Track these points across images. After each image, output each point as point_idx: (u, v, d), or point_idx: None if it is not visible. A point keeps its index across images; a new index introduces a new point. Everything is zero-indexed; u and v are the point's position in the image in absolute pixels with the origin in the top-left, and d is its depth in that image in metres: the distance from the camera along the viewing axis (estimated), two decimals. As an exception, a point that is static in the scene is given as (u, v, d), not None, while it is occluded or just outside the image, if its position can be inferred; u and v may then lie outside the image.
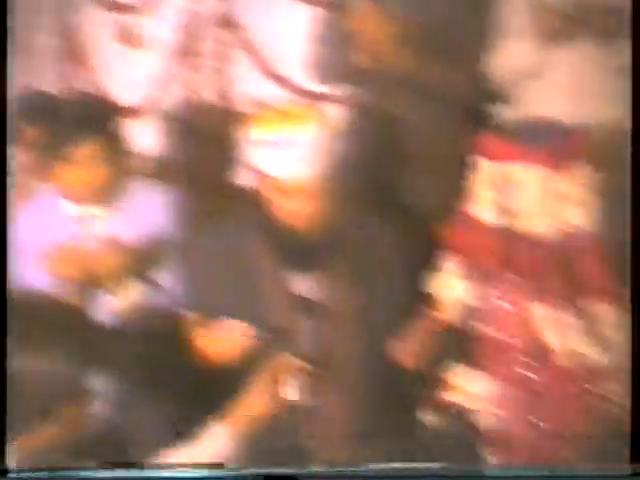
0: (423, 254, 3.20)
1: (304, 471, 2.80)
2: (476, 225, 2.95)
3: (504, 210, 2.92)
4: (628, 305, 2.95)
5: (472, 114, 3.71)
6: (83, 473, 2.52)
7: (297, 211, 2.95)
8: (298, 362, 2.84)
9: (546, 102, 3.44)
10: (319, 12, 4.06)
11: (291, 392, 2.83)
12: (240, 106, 4.35)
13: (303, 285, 3.04)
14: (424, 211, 3.49)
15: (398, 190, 3.61)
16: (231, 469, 2.74)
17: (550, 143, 2.91)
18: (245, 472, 2.73)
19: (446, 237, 3.08)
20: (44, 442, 2.56)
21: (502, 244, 2.92)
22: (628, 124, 3.44)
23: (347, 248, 3.05)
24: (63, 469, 2.47)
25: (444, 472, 2.85)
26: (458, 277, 3.03)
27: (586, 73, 3.48)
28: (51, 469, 2.47)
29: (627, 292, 2.96)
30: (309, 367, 2.86)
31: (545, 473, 2.81)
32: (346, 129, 3.74)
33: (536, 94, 3.53)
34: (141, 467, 2.65)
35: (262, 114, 3.01)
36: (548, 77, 3.49)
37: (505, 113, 3.68)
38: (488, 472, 2.83)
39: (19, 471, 2.50)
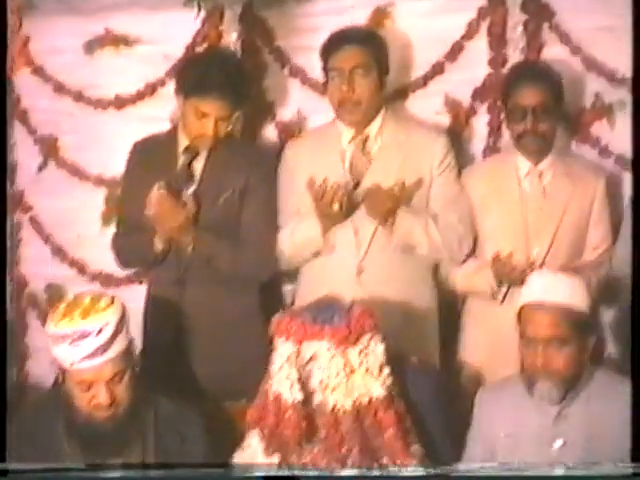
0: (226, 432, 3.33)
1: (304, 471, 2.81)
2: (277, 402, 3.07)
3: (303, 386, 3.06)
4: (423, 458, 3.15)
5: (267, 294, 3.91)
6: (82, 473, 2.47)
7: (95, 402, 2.99)
8: None
9: (334, 277, 3.70)
10: (110, 192, 4.20)
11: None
12: (32, 288, 4.40)
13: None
14: (224, 391, 3.61)
15: (196, 373, 3.68)
16: (231, 469, 2.70)
17: (340, 321, 3.09)
18: (245, 472, 2.70)
19: (248, 415, 3.18)
20: None
21: (303, 418, 3.05)
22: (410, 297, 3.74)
23: (150, 434, 3.09)
24: (63, 469, 2.41)
25: (444, 472, 2.90)
26: (262, 452, 3.14)
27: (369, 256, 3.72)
28: (51, 469, 2.41)
29: (419, 448, 3.15)
30: None
31: (545, 473, 2.86)
32: (143, 312, 3.84)
33: (323, 268, 3.76)
34: (139, 467, 2.61)
35: (56, 309, 3.07)
36: (335, 253, 3.73)
37: (297, 289, 3.92)
38: (487, 472, 2.87)
39: (19, 471, 2.43)
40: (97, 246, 4.05)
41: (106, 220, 4.17)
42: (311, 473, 2.95)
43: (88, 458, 3.05)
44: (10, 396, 3.67)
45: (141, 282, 4.05)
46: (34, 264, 4.39)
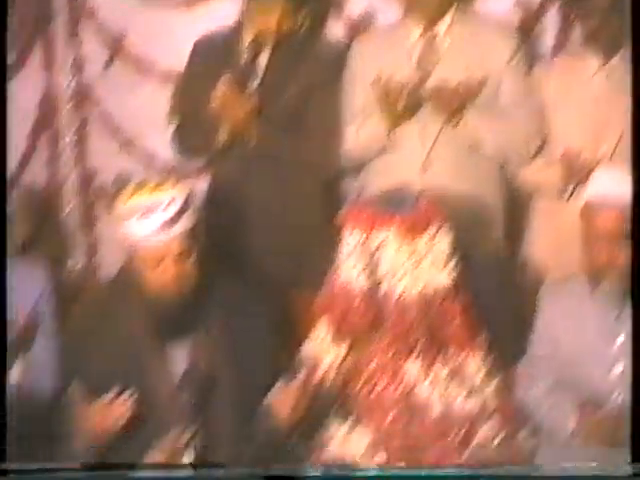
0: (294, 320, 3.34)
1: (304, 471, 2.86)
2: (345, 290, 3.10)
3: (370, 275, 3.08)
4: (488, 351, 3.17)
5: (333, 185, 3.93)
6: (82, 473, 2.52)
7: (164, 278, 3.02)
8: (184, 435, 2.86)
9: (400, 171, 3.70)
10: (177, 87, 4.20)
11: (184, 466, 2.86)
12: (100, 181, 4.45)
13: (179, 354, 3.08)
14: (292, 279, 3.65)
15: (263, 260, 3.72)
16: (231, 469, 2.75)
17: (408, 209, 3.10)
18: (245, 472, 2.75)
19: (317, 303, 3.18)
20: None
21: (370, 306, 3.08)
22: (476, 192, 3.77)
23: (217, 314, 3.12)
24: (63, 469, 2.46)
25: (444, 473, 2.93)
26: (331, 340, 3.14)
27: (434, 144, 3.75)
28: (51, 469, 2.46)
29: (484, 340, 3.18)
30: (196, 442, 2.89)
31: (544, 473, 2.88)
32: (208, 200, 3.91)
33: (390, 164, 3.76)
34: (140, 467, 2.66)
35: (125, 189, 3.10)
36: (400, 151, 3.73)
37: (364, 183, 3.94)
38: (487, 472, 2.91)
39: (19, 471, 2.48)
40: (164, 140, 4.05)
41: (172, 115, 4.18)
42: (311, 473, 2.95)
43: (156, 337, 3.08)
44: (78, 285, 3.74)
45: (206, 175, 4.07)
46: (101, 158, 4.39)
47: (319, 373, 3.12)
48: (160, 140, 4.19)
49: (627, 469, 2.84)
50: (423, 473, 2.92)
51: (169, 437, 2.91)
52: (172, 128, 3.97)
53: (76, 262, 4.46)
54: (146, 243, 3.01)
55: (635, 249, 3.06)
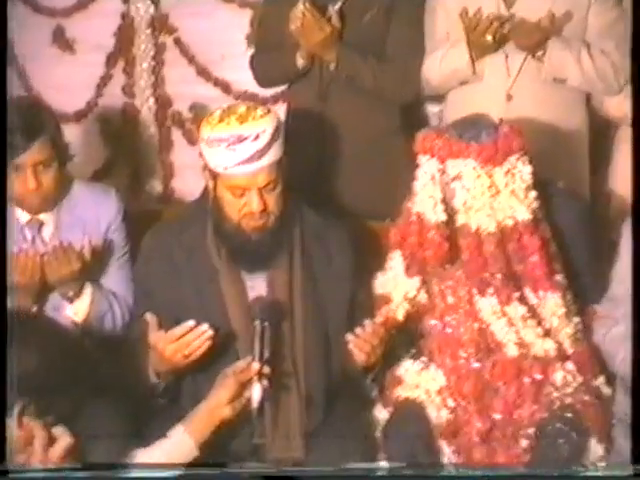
0: (370, 252, 3.21)
1: (304, 471, 2.80)
2: (419, 222, 2.96)
3: (446, 206, 2.94)
4: (566, 290, 3.02)
5: (410, 113, 3.80)
6: (83, 473, 2.49)
7: (247, 209, 2.90)
8: (258, 366, 2.76)
9: (481, 101, 3.53)
10: (255, 13, 4.10)
11: (253, 396, 2.75)
12: (176, 108, 4.39)
13: (257, 285, 3.00)
14: (367, 210, 3.51)
15: (340, 189, 3.63)
16: (230, 469, 2.71)
17: (487, 139, 2.95)
18: (245, 472, 2.71)
19: (390, 235, 3.07)
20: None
21: (446, 239, 2.95)
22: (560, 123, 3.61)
23: (297, 246, 3.02)
24: (63, 469, 2.44)
25: (443, 473, 2.87)
26: (404, 274, 3.02)
27: (518, 77, 3.58)
28: (51, 469, 2.43)
29: (562, 278, 3.03)
30: (269, 371, 2.78)
31: (544, 473, 2.78)
32: (285, 128, 3.80)
33: (471, 94, 3.62)
34: (138, 466, 2.63)
35: (211, 114, 2.99)
36: (483, 81, 3.59)
37: (443, 112, 3.80)
38: (486, 472, 2.83)
39: (19, 471, 2.46)
40: (241, 66, 3.94)
41: (251, 41, 4.08)
42: (311, 473, 2.85)
43: (236, 267, 3.00)
44: (153, 212, 3.68)
45: (285, 102, 3.96)
46: (178, 84, 4.32)
47: (392, 307, 3.00)
48: (237, 66, 4.08)
49: (627, 469, 2.72)
50: (424, 473, 2.81)
51: (239, 367, 2.82)
52: (250, 54, 3.86)
53: (152, 188, 4.41)
54: (232, 171, 2.88)
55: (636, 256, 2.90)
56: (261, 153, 2.87)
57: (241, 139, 2.85)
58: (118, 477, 2.55)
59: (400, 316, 3.01)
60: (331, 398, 3.01)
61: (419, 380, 2.97)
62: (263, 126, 2.88)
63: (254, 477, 2.68)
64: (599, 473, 2.77)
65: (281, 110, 3.84)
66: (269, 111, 2.96)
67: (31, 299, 3.11)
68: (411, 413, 2.93)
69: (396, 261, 3.07)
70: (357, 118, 3.62)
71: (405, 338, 3.05)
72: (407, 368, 3.02)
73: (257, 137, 2.86)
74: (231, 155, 2.86)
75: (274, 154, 2.91)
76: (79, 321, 3.16)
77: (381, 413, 3.03)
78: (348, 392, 3.04)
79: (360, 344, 2.89)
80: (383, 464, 2.87)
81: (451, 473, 2.84)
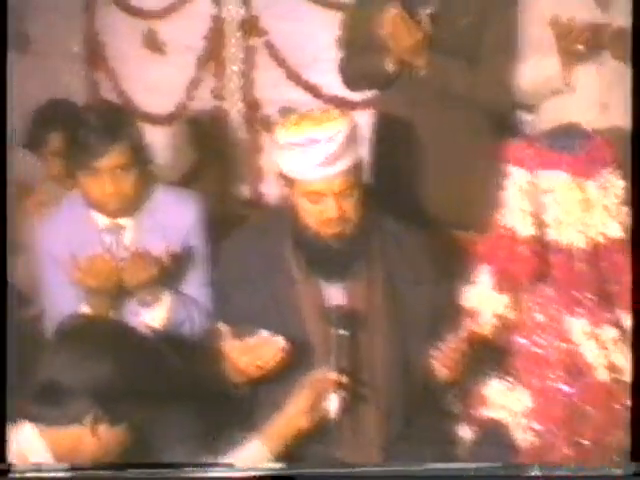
0: (454, 264, 3.11)
1: (304, 471, 2.72)
2: (509, 235, 2.83)
3: (536, 220, 2.81)
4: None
5: (501, 122, 3.65)
6: (83, 473, 2.44)
7: (324, 216, 2.81)
8: (335, 376, 2.71)
9: (574, 111, 3.40)
10: (346, 16, 4.00)
11: (330, 406, 2.70)
12: (265, 111, 4.32)
13: (335, 294, 2.90)
14: (453, 220, 3.41)
15: (425, 198, 3.50)
16: (230, 469, 2.63)
17: (580, 150, 2.81)
18: (245, 472, 2.63)
19: (478, 248, 2.96)
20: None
21: (535, 255, 2.82)
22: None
23: (376, 255, 2.92)
24: (63, 469, 2.39)
25: (443, 472, 2.76)
26: (492, 289, 2.91)
27: (612, 86, 3.44)
28: (51, 469, 2.40)
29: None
30: (346, 381, 2.72)
31: (545, 473, 2.68)
32: (372, 134, 3.70)
33: (564, 103, 3.48)
34: (142, 466, 2.56)
35: (288, 118, 2.91)
36: (575, 90, 3.46)
37: (534, 121, 3.65)
38: (486, 472, 2.74)
39: (19, 471, 2.43)
40: (331, 70, 3.84)
41: (341, 44, 3.97)
42: (311, 473, 2.71)
43: (314, 276, 2.90)
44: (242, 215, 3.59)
45: (374, 107, 3.85)
46: (268, 88, 4.27)
47: (479, 323, 2.87)
48: (327, 70, 3.99)
49: (627, 469, 2.63)
50: (424, 472, 2.68)
51: (316, 376, 2.72)
52: (339, 58, 3.75)
53: (240, 193, 4.35)
54: (308, 176, 2.80)
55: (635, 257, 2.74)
56: (335, 157, 2.77)
57: (315, 141, 2.76)
58: (119, 477, 2.46)
59: (486, 332, 2.88)
60: (411, 411, 2.91)
61: (505, 400, 2.85)
62: (337, 128, 2.79)
63: (254, 477, 2.58)
64: (599, 473, 2.67)
65: (371, 115, 3.74)
66: (344, 114, 2.88)
67: (107, 304, 3.04)
68: (495, 434, 2.79)
69: (484, 275, 2.93)
70: (446, 125, 3.50)
71: (490, 355, 2.92)
72: (492, 387, 2.90)
73: (331, 139, 2.77)
74: (305, 159, 2.77)
75: (350, 159, 2.81)
76: (156, 327, 3.08)
77: (464, 431, 2.92)
78: (429, 406, 2.94)
79: (442, 358, 2.78)
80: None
81: (452, 472, 2.69)
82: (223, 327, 2.83)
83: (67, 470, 2.44)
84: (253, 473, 2.66)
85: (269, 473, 2.67)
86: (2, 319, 2.55)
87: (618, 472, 2.64)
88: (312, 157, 2.77)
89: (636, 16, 2.98)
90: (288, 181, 2.86)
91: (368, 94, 3.90)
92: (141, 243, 3.06)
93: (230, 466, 2.65)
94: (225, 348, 2.81)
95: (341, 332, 2.77)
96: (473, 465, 2.71)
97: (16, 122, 4.32)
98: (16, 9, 4.32)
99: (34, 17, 4.39)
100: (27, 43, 4.43)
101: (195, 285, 3.16)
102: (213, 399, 2.87)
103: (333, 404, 2.70)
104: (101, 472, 2.50)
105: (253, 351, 2.78)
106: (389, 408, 2.87)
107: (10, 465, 2.48)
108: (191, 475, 2.61)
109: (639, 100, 2.88)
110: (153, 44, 4.35)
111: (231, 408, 2.89)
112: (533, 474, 2.65)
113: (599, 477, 2.67)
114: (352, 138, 2.82)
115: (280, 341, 2.76)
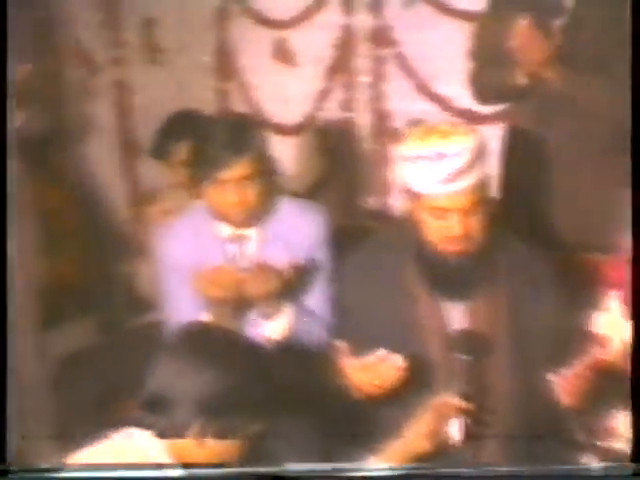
0: (581, 287, 3.00)
1: (304, 471, 2.64)
2: (636, 260, 2.71)
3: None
4: None
5: (634, 138, 3.52)
6: (83, 473, 2.41)
7: (448, 233, 2.73)
8: (457, 401, 2.65)
9: None
10: (477, 27, 3.92)
11: (452, 432, 2.65)
12: (393, 123, 4.26)
13: (457, 314, 2.82)
14: (581, 240, 3.30)
15: (552, 216, 3.41)
16: (230, 469, 2.57)
17: None
18: (245, 472, 2.56)
19: (607, 271, 2.86)
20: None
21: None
22: None
23: (501, 275, 2.82)
24: (64, 469, 2.37)
25: (445, 472, 2.67)
26: (623, 316, 2.81)
27: None
28: (51, 469, 2.38)
29: None
30: (468, 406, 2.65)
31: (545, 473, 2.62)
32: (501, 148, 3.61)
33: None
34: (140, 467, 2.51)
35: (415, 131, 2.84)
36: None
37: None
38: (486, 472, 2.62)
39: (19, 471, 2.42)
40: (461, 82, 3.77)
41: (471, 56, 3.89)
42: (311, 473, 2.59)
43: (436, 295, 2.83)
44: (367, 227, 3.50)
45: (503, 121, 3.76)
46: (397, 99, 4.21)
47: (606, 352, 2.74)
48: (457, 82, 3.91)
49: (628, 469, 2.58)
50: (424, 472, 2.59)
51: (438, 401, 2.65)
52: (469, 70, 3.67)
53: (367, 205, 4.30)
54: (433, 191, 2.72)
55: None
56: (462, 172, 2.68)
57: (441, 157, 2.68)
58: (120, 477, 2.40)
59: (615, 361, 2.75)
60: (534, 439, 2.79)
61: (631, 433, 2.71)
62: (465, 144, 2.70)
63: (254, 477, 2.50)
64: (599, 473, 2.61)
65: (499, 129, 3.65)
66: (472, 129, 2.80)
67: (227, 314, 3.02)
68: (621, 467, 2.67)
69: (613, 302, 2.80)
70: (576, 141, 3.38)
71: (619, 386, 2.78)
72: (620, 420, 2.78)
73: (458, 154, 2.68)
74: (430, 174, 2.69)
75: (476, 175, 2.72)
76: (276, 339, 3.05)
77: (588, 461, 2.79)
78: (552, 435, 2.81)
79: (566, 385, 2.67)
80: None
81: (452, 473, 2.59)
82: (341, 343, 2.78)
83: (67, 470, 2.40)
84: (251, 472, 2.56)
85: (269, 473, 2.59)
86: (2, 319, 2.54)
87: (618, 472, 2.59)
88: (438, 172, 2.69)
89: (636, 16, 2.91)
90: (413, 195, 2.78)
91: (497, 107, 3.80)
92: (264, 254, 3.03)
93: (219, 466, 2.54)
94: (342, 365, 2.76)
95: (464, 356, 2.70)
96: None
97: (143, 131, 4.42)
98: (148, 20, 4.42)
99: (165, 28, 4.43)
100: (158, 53, 4.47)
101: (316, 299, 3.11)
102: (329, 414, 2.83)
103: (455, 430, 2.62)
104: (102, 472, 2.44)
105: (371, 369, 2.72)
106: (511, 435, 2.78)
107: (10, 465, 2.46)
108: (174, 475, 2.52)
109: (639, 100, 2.84)
110: (283, 54, 4.33)
111: (347, 425, 2.83)
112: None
113: (599, 477, 2.61)
114: (480, 154, 2.73)
115: (399, 360, 2.69)
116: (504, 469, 2.66)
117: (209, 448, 2.38)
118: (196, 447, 2.37)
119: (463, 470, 2.66)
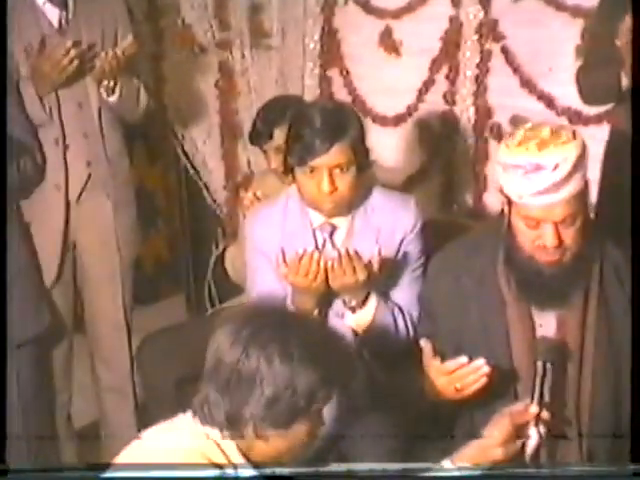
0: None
1: (304, 471, 2.56)
2: None
3: None
4: None
5: None
6: (83, 473, 2.37)
7: (540, 242, 2.60)
8: (537, 410, 2.50)
9: None
10: (587, 25, 3.80)
11: (528, 441, 2.51)
12: (496, 119, 4.15)
13: (545, 322, 2.71)
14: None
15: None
16: (230, 469, 2.50)
17: None
18: (245, 472, 2.49)
19: None
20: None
21: None
22: None
23: (594, 285, 2.69)
24: (63, 469, 2.34)
25: (444, 472, 2.56)
26: None
27: None
28: (51, 469, 2.35)
29: None
30: (548, 417, 2.52)
31: (545, 473, 2.54)
32: (604, 151, 3.48)
33: None
34: (143, 468, 2.44)
35: (515, 134, 2.69)
36: None
37: None
38: (486, 471, 2.52)
39: (19, 471, 2.40)
40: (568, 81, 3.64)
41: (579, 53, 3.78)
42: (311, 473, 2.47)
43: (526, 302, 2.71)
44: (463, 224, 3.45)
45: (608, 122, 3.63)
46: (500, 94, 4.08)
47: None
48: (563, 81, 3.80)
49: (627, 469, 2.48)
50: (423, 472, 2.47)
51: (517, 408, 2.56)
52: (577, 68, 3.55)
53: (464, 201, 4.21)
54: (527, 202, 2.58)
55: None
56: (559, 185, 2.53)
57: (538, 168, 2.53)
58: (121, 477, 2.33)
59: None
60: (615, 455, 2.67)
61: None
62: (565, 154, 2.54)
63: (254, 477, 2.42)
64: (598, 472, 2.51)
65: (603, 131, 3.53)
66: (574, 137, 2.60)
67: (313, 303, 2.98)
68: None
69: None
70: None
71: None
72: None
73: (556, 167, 2.52)
74: (526, 184, 2.55)
75: (574, 186, 2.56)
76: (360, 331, 3.00)
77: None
78: (636, 451, 2.70)
79: None
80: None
81: (452, 473, 2.46)
82: (425, 343, 2.69)
83: (67, 470, 2.38)
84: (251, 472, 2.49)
85: (269, 473, 2.53)
86: (2, 320, 2.52)
87: (618, 472, 2.50)
88: (534, 184, 2.54)
89: (636, 16, 2.84)
90: (506, 199, 2.67)
91: (603, 108, 3.67)
92: (353, 245, 2.97)
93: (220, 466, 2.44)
94: (424, 365, 2.68)
95: (547, 364, 2.58)
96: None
97: (245, 115, 4.40)
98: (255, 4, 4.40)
99: (271, 13, 4.40)
100: (263, 38, 4.45)
101: (406, 292, 3.05)
102: (408, 413, 2.76)
103: (532, 439, 2.52)
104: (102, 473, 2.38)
105: (453, 373, 2.64)
106: (592, 450, 2.68)
107: (9, 465, 2.44)
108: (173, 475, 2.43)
109: (639, 100, 2.81)
110: (389, 44, 4.26)
111: (425, 426, 2.76)
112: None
113: (599, 477, 2.52)
114: (580, 163, 2.57)
115: (483, 366, 2.60)
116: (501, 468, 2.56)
117: (274, 445, 2.31)
118: (263, 444, 2.31)
119: (535, 471, 2.58)
